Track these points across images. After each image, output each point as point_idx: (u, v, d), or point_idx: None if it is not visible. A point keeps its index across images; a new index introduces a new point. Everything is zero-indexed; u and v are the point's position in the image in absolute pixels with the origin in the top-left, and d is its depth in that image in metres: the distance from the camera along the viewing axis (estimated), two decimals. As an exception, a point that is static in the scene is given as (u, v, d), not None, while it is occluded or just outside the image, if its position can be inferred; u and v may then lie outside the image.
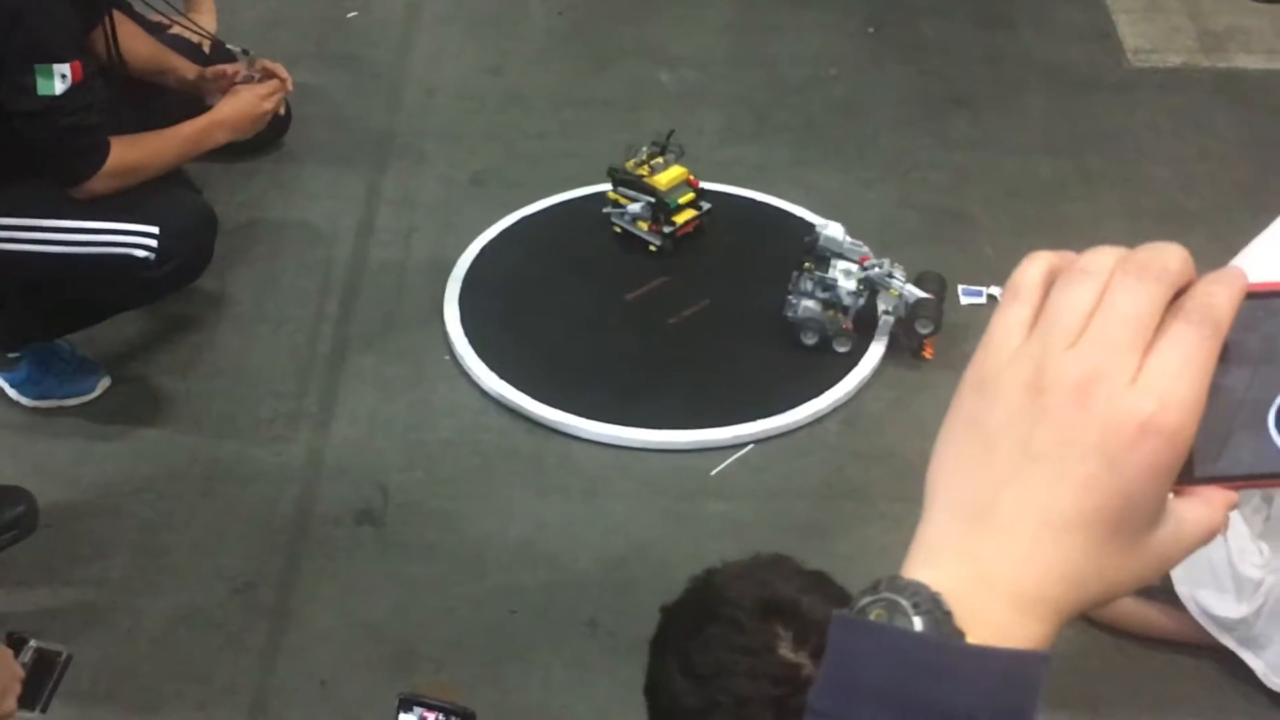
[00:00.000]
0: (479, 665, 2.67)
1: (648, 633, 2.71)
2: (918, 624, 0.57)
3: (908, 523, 0.63)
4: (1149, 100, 4.25)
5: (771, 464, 3.07)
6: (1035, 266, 0.62)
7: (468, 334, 3.33)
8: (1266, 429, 0.60)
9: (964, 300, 3.47)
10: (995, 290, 3.47)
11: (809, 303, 3.25)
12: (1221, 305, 0.58)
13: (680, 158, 3.57)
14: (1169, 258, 0.59)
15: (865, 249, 3.32)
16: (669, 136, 3.58)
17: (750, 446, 3.10)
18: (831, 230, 3.30)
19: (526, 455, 3.10)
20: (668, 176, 3.53)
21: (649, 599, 2.76)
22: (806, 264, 3.29)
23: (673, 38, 4.50)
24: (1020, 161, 3.98)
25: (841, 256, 3.29)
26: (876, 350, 3.29)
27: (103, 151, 2.91)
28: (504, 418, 3.17)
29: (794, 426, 3.14)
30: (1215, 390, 0.58)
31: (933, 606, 0.57)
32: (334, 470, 3.07)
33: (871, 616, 0.58)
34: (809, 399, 3.17)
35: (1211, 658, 2.64)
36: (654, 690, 1.48)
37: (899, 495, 2.91)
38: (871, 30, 4.54)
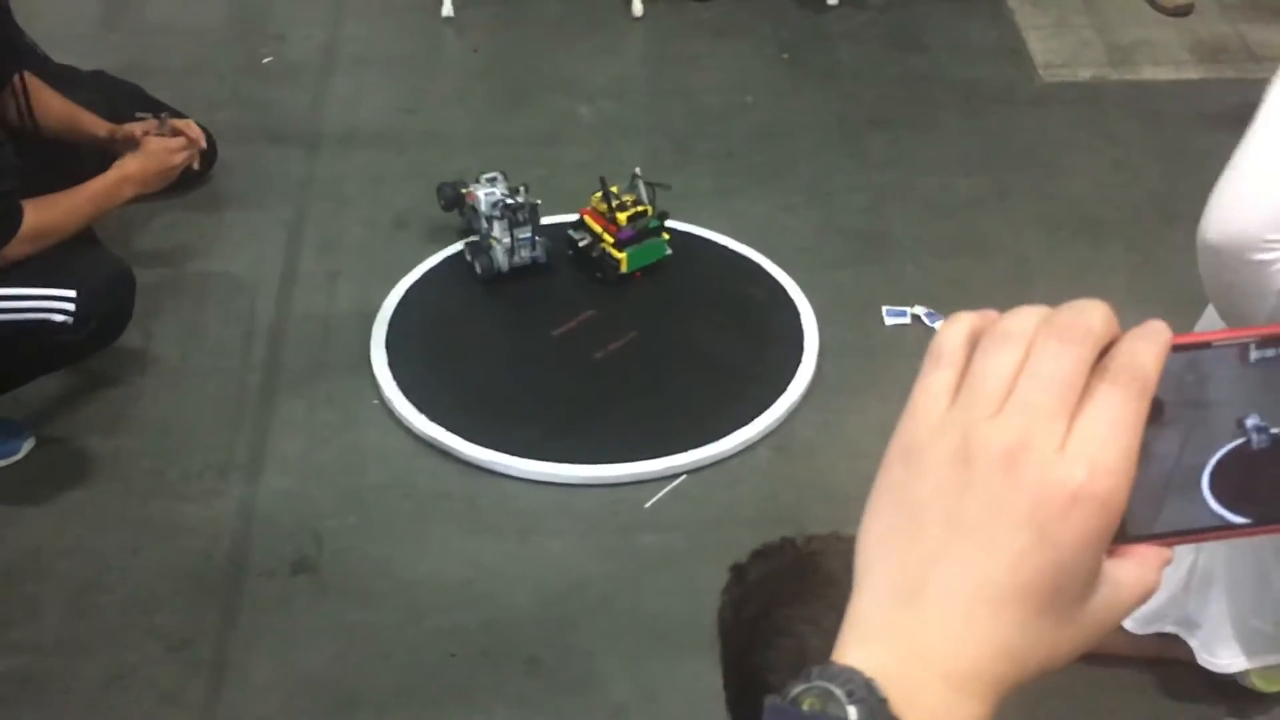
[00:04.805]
0: (421, 710, 2.65)
1: (589, 668, 2.72)
2: (852, 714, 0.55)
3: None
4: (1061, 114, 4.31)
5: (705, 494, 3.08)
6: (956, 329, 0.60)
7: (396, 377, 3.31)
8: (1199, 487, 0.59)
9: (889, 321, 3.49)
10: (919, 309, 3.50)
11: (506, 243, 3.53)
12: (1147, 364, 0.56)
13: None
14: (1091, 317, 0.57)
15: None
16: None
17: (683, 477, 3.10)
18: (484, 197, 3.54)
19: (460, 496, 3.09)
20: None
21: (588, 635, 2.79)
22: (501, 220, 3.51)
23: (590, 71, 4.52)
24: (938, 180, 4.02)
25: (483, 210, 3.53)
26: (804, 377, 3.30)
27: (16, 217, 2.87)
28: (435, 459, 3.16)
29: (726, 455, 3.14)
30: (1145, 449, 0.56)
31: (867, 694, 0.56)
32: (266, 520, 3.04)
33: (805, 706, 0.56)
34: (739, 427, 3.17)
35: (1150, 671, 2.67)
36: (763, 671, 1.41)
37: (833, 520, 2.86)
38: (786, 56, 4.58)
